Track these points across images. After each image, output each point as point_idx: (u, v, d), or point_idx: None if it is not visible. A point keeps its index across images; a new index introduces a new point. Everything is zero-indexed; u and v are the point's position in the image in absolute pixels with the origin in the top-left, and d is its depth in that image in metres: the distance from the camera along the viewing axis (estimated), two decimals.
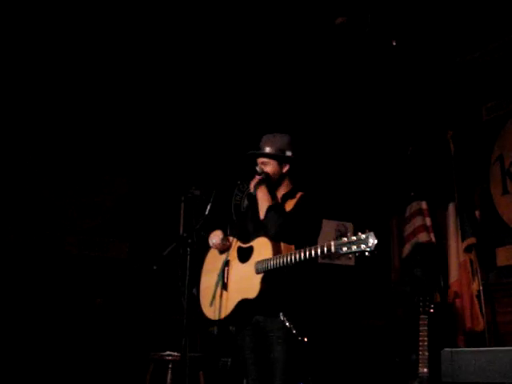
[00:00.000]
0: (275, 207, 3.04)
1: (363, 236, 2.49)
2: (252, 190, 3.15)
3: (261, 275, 2.83)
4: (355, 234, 2.52)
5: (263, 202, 3.08)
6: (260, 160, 3.18)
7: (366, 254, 2.48)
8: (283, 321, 2.85)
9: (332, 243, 2.59)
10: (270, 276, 2.83)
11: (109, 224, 4.92)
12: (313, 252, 2.66)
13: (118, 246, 4.89)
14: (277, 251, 2.82)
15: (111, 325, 4.56)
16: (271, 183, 3.15)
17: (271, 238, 2.89)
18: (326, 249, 2.61)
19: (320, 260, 5.32)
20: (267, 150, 3.15)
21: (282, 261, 2.75)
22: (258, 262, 2.86)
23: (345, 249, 2.53)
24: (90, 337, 4.47)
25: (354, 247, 2.50)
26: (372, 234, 2.47)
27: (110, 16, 4.59)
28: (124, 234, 4.94)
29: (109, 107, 5.08)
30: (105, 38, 4.82)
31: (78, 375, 4.33)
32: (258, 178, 3.14)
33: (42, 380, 4.21)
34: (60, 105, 4.88)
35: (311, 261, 2.70)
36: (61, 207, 4.74)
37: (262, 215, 3.06)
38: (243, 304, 2.90)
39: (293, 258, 2.72)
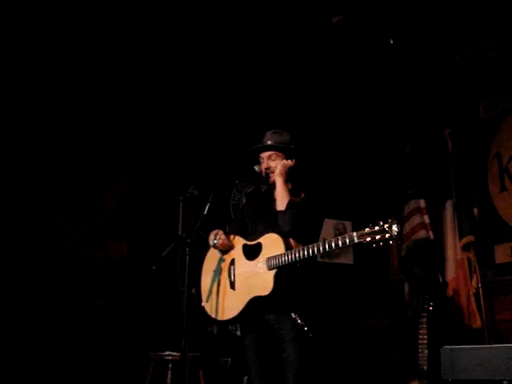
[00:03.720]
0: (296, 204, 2.99)
1: (386, 225, 2.51)
2: (274, 171, 3.07)
3: (274, 271, 2.79)
4: (376, 224, 2.54)
5: (284, 193, 3.02)
6: (266, 154, 3.14)
7: (391, 242, 2.52)
8: (295, 318, 2.83)
9: (354, 234, 2.58)
10: (283, 272, 2.80)
11: (108, 224, 4.91)
12: (333, 244, 2.63)
13: (118, 247, 4.89)
14: (288, 247, 2.80)
15: (111, 325, 4.56)
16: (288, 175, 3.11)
17: (283, 234, 2.86)
18: (347, 240, 2.58)
19: (319, 259, 5.34)
20: (272, 143, 3.13)
21: (299, 255, 2.71)
22: (271, 258, 2.82)
23: (368, 239, 2.53)
24: (90, 337, 4.46)
25: (378, 236, 2.51)
26: (395, 221, 2.51)
27: (107, 16, 4.59)
28: (123, 234, 4.93)
29: (108, 109, 5.07)
30: (104, 40, 4.82)
31: (77, 376, 4.32)
32: (285, 162, 3.09)
33: (42, 381, 4.20)
34: (60, 106, 4.86)
35: (328, 252, 2.68)
36: (60, 208, 4.73)
37: (280, 205, 3.01)
38: (254, 302, 2.86)
39: (310, 251, 2.69)
